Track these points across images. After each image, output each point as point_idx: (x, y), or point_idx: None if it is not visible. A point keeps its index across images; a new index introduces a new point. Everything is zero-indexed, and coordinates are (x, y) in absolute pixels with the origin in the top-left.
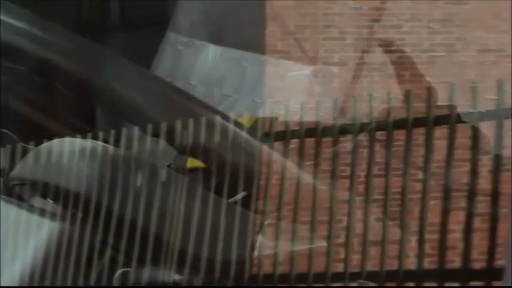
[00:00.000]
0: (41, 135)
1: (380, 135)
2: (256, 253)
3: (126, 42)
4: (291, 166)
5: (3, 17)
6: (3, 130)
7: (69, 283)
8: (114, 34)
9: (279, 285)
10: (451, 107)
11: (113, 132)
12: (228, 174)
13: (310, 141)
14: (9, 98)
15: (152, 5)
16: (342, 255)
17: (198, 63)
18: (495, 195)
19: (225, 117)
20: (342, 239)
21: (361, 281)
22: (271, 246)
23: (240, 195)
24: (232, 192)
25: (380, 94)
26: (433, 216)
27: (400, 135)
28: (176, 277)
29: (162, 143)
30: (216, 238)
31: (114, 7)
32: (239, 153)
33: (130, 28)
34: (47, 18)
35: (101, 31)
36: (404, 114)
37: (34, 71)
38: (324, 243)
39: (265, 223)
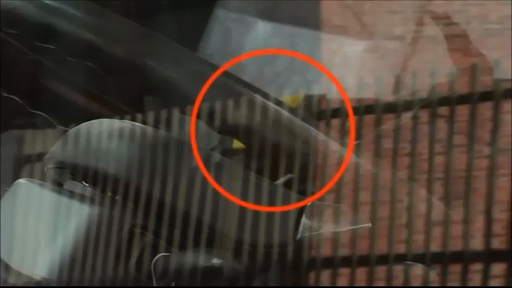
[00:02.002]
0: (81, 117)
1: (442, 110)
2: (299, 235)
3: (173, 22)
4: (335, 145)
5: None
6: (40, 113)
7: (108, 268)
8: (161, 15)
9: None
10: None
11: (152, 114)
12: (270, 155)
13: (369, 118)
14: (45, 79)
15: None
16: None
17: (248, 40)
18: None
19: (267, 97)
20: (403, 220)
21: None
22: (317, 227)
23: (286, 178)
24: (275, 173)
25: (440, 68)
26: (502, 194)
27: (463, 110)
28: (216, 261)
29: (202, 124)
30: (258, 221)
31: None
32: (280, 133)
33: (177, 8)
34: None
35: (147, 12)
36: (464, 89)
37: (70, 51)
38: (369, 224)
39: (308, 204)
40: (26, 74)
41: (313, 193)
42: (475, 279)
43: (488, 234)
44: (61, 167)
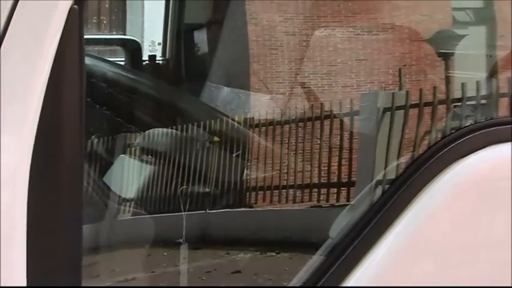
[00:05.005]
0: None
1: None
2: (244, 177)
3: None
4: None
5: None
6: (131, 126)
7: (160, 196)
8: None
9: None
10: None
11: (179, 126)
12: (230, 143)
13: None
14: (124, 108)
15: None
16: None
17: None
18: None
19: (227, 117)
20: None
21: None
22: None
23: (236, 153)
24: (232, 151)
25: None
26: None
27: None
28: (207, 189)
29: (202, 130)
30: (227, 172)
31: None
32: (235, 133)
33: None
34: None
35: None
36: None
37: (124, 91)
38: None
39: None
40: (117, 106)
41: (249, 160)
42: None
43: None
44: (141, 148)
